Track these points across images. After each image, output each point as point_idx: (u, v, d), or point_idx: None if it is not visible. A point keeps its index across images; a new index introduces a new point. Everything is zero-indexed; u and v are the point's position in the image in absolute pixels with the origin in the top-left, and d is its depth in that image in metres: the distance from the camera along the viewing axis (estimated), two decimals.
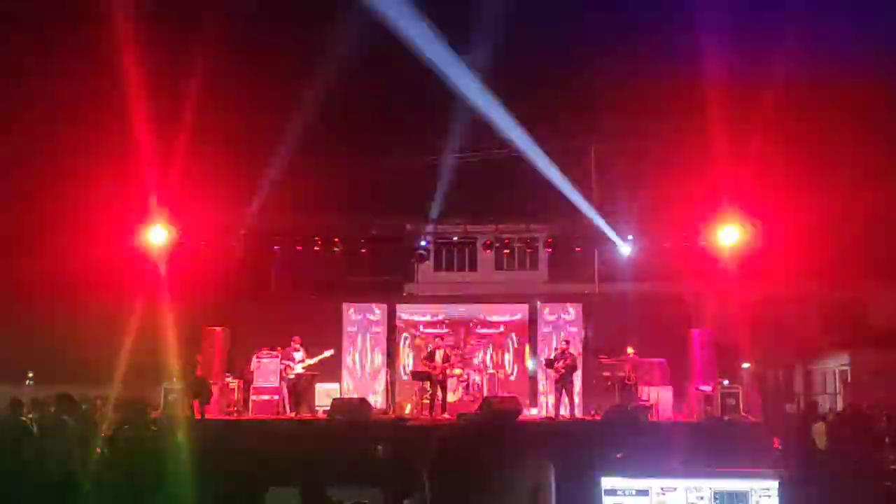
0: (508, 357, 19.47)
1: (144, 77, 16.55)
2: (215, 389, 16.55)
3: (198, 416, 15.26)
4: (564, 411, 16.51)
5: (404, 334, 19.58)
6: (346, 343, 19.40)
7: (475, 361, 18.44)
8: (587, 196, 26.85)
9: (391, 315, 19.75)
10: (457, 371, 17.38)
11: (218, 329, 17.79)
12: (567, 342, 17.25)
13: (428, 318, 19.83)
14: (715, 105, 18.03)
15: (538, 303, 19.88)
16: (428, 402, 16.62)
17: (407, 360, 19.05)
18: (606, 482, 2.24)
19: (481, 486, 1.65)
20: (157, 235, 17.80)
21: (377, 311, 19.78)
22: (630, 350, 16.95)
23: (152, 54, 16.89)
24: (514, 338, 19.58)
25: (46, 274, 23.01)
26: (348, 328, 19.58)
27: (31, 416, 12.82)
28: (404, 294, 27.44)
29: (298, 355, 17.13)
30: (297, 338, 17.30)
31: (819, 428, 12.12)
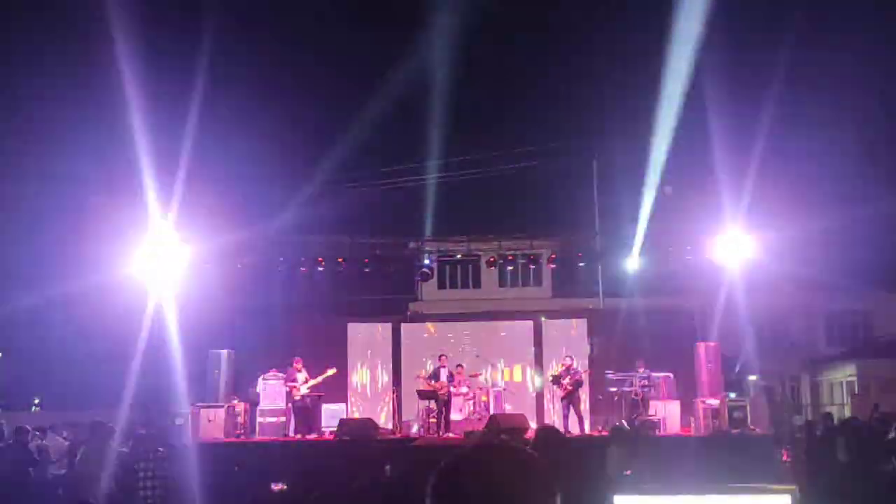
0: (514, 374, 19.39)
1: (150, 99, 16.67)
2: (221, 412, 16.52)
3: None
4: (573, 427, 16.43)
5: (409, 353, 19.51)
6: (351, 363, 19.33)
7: (481, 379, 18.37)
8: (590, 211, 26.98)
9: (396, 334, 19.71)
10: (463, 389, 17.33)
11: (223, 351, 17.74)
12: (572, 358, 17.21)
13: (432, 336, 19.79)
14: (718, 116, 18.09)
15: (543, 319, 19.84)
16: (435, 420, 16.58)
17: (412, 378, 18.94)
18: (618, 500, 2.24)
19: None
20: (162, 258, 17.79)
21: (382, 331, 19.76)
22: (641, 368, 16.79)
23: (158, 73, 16.99)
24: (519, 355, 19.51)
25: (51, 300, 23.06)
26: (354, 348, 19.53)
27: (43, 442, 12.85)
28: (409, 313, 27.42)
29: (301, 376, 17.04)
30: (297, 359, 17.18)
31: (843, 441, 11.93)
